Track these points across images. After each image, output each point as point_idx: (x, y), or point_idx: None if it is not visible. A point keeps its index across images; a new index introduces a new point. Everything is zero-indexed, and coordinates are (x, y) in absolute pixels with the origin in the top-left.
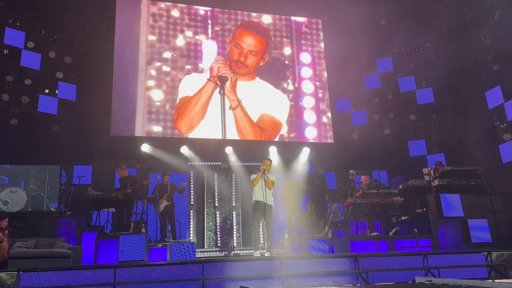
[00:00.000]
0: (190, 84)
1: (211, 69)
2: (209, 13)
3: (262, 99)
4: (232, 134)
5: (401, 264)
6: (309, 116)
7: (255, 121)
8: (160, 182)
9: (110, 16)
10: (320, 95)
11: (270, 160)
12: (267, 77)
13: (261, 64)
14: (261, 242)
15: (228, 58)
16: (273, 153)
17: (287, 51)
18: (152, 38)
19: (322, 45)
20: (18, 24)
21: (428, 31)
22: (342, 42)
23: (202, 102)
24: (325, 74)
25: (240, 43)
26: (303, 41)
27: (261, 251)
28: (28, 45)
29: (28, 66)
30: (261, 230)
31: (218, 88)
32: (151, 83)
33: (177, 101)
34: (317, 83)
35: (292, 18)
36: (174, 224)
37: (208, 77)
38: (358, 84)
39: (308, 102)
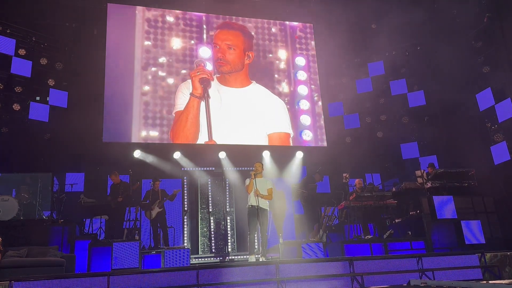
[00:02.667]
0: (185, 93)
1: (192, 83)
2: (203, 18)
3: (261, 108)
4: (224, 138)
5: (396, 266)
6: (305, 119)
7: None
8: (151, 188)
9: (101, 22)
10: (316, 98)
11: (260, 163)
12: (263, 81)
13: (247, 61)
14: (256, 247)
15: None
16: (267, 157)
17: (282, 55)
18: (147, 43)
19: (315, 48)
20: (8, 31)
21: (419, 34)
22: (333, 46)
23: (192, 118)
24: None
25: (216, 42)
26: (297, 45)
27: (256, 256)
28: (19, 52)
29: (19, 73)
30: (256, 235)
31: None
32: (146, 88)
33: (173, 114)
34: (312, 86)
35: (287, 22)
36: (167, 231)
37: (191, 92)
38: (350, 88)
39: (304, 105)
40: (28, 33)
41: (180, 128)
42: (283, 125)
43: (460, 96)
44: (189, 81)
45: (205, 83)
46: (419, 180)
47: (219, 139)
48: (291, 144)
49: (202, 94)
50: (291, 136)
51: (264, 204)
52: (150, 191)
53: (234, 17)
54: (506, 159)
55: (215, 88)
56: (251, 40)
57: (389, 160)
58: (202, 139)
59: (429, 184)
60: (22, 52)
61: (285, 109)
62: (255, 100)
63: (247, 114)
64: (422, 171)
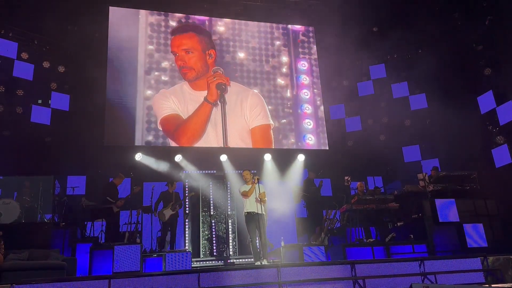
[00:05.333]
0: (169, 99)
1: (208, 89)
2: (206, 23)
3: (239, 105)
4: (210, 142)
5: (397, 270)
6: (308, 124)
7: (250, 141)
8: (166, 190)
9: (103, 26)
10: (318, 102)
11: (248, 170)
12: (263, 84)
13: (209, 60)
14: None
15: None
16: (268, 160)
17: (284, 59)
18: (150, 47)
19: (317, 52)
20: (10, 34)
21: (420, 37)
22: (335, 48)
23: (202, 121)
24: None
25: (173, 50)
26: (300, 49)
27: (261, 259)
28: (21, 55)
29: (21, 76)
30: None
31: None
32: (149, 93)
33: (159, 119)
34: (315, 90)
35: (289, 26)
36: (175, 234)
37: (205, 97)
38: (352, 91)
39: (307, 109)
40: (30, 36)
41: (188, 131)
42: (263, 117)
43: (461, 99)
44: (163, 91)
45: (222, 89)
46: (421, 183)
47: (209, 143)
48: (271, 135)
49: (216, 100)
50: (272, 126)
51: (262, 209)
52: (162, 193)
53: (236, 20)
54: (507, 162)
55: (190, 97)
56: (208, 37)
57: (391, 163)
58: (212, 143)
59: (431, 187)
60: (24, 55)
61: (262, 100)
62: (231, 98)
63: (228, 113)
64: (424, 174)
